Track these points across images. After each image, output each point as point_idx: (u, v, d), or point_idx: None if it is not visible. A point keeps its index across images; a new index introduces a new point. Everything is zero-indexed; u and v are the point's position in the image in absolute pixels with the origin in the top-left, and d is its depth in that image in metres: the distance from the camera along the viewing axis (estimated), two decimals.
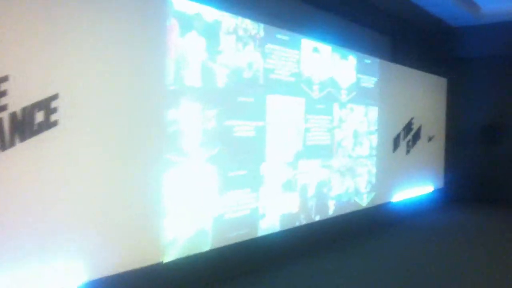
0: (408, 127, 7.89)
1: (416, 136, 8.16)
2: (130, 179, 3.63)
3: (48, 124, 3.10)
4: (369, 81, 6.74)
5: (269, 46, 4.93)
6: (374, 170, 6.89)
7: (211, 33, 4.26)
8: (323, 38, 5.83)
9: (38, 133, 3.06)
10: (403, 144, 7.72)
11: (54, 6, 3.11)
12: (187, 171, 4.06)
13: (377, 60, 6.92)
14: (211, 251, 4.30)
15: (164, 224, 3.88)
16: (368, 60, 6.72)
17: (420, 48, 8.53)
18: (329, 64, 5.91)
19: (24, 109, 2.98)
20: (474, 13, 8.32)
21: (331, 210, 6.01)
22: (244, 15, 4.61)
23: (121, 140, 3.55)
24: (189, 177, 4.08)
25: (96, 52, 3.36)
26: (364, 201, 6.69)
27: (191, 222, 4.12)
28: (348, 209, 6.31)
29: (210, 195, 4.30)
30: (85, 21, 3.28)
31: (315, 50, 5.66)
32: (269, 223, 5.02)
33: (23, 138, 2.99)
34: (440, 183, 9.13)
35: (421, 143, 8.31)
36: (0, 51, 2.86)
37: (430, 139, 8.67)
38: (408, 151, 7.88)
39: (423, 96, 8.43)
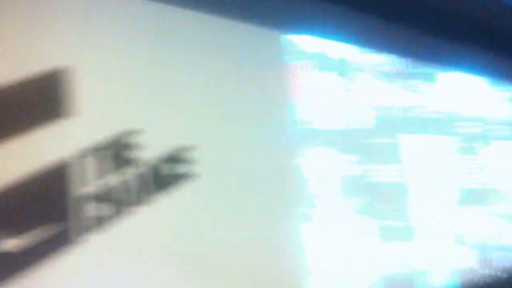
0: None
1: None
2: (271, 238, 3.21)
3: (186, 177, 2.87)
4: None
5: (409, 81, 4.45)
6: None
7: (344, 71, 3.92)
8: (466, 70, 5.20)
9: (177, 186, 2.83)
10: None
11: (175, 53, 2.99)
12: (330, 225, 3.55)
13: None
14: None
15: None
16: None
17: None
18: (479, 97, 5.21)
19: (161, 161, 2.79)
20: None
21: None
22: (378, 50, 4.23)
23: (257, 192, 3.18)
24: (334, 233, 3.56)
25: (226, 99, 3.15)
26: None
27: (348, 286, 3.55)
28: None
29: (366, 252, 3.72)
30: (210, 70, 3.11)
31: (460, 83, 5.04)
32: (440, 281, 4.23)
33: (161, 192, 2.78)
34: None
35: None
36: (134, 102, 2.75)
37: None
38: None
39: None
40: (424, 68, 4.67)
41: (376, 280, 3.72)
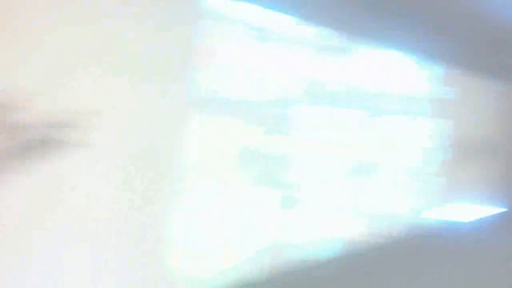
0: None
1: None
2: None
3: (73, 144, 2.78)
4: (442, 93, 6.11)
5: (324, 53, 4.44)
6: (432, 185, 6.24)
7: (257, 38, 3.80)
8: (389, 45, 5.27)
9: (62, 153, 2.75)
10: None
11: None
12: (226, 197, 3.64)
13: (453, 71, 6.26)
14: None
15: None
16: (442, 69, 6.07)
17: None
18: (397, 73, 5.35)
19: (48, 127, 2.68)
20: None
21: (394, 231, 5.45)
22: (296, 16, 4.13)
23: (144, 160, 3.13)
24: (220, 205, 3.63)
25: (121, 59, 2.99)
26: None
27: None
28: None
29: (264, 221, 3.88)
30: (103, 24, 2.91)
31: (377, 57, 5.12)
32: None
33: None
34: None
35: None
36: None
37: None
38: None
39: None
40: (344, 42, 4.66)
41: (261, 249, 3.91)
